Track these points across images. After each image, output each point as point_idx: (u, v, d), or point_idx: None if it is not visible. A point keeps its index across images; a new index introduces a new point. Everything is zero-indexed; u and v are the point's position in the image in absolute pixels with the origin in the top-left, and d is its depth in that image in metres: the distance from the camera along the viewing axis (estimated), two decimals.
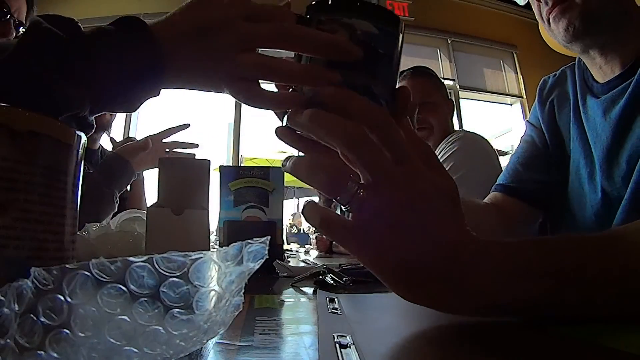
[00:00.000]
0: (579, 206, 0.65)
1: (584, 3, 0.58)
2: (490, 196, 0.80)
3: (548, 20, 0.63)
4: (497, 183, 0.79)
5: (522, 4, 0.67)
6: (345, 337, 0.28)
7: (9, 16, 0.76)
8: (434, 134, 1.21)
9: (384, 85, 0.34)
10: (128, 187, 1.28)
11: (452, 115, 1.30)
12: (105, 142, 1.42)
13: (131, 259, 0.19)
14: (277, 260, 0.65)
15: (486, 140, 1.21)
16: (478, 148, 1.15)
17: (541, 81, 0.79)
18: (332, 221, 0.31)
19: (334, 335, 0.28)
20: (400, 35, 0.35)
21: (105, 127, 1.30)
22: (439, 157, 1.13)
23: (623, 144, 0.58)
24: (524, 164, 0.76)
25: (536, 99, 0.78)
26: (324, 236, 1.37)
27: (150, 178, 1.30)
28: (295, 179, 0.34)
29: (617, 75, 0.60)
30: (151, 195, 1.33)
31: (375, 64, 0.34)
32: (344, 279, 0.52)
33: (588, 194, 0.63)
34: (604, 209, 0.60)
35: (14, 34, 0.78)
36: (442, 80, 1.35)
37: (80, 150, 0.31)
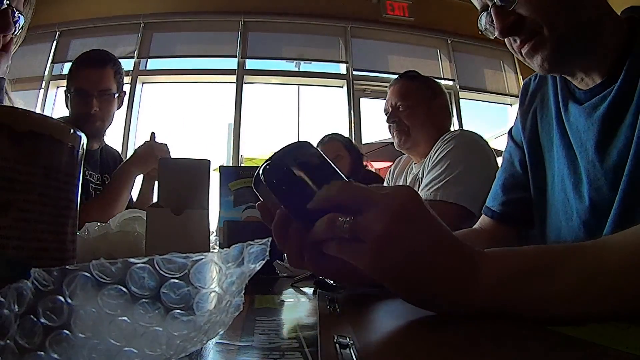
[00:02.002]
0: (565, 216, 0.63)
1: (554, 37, 0.55)
2: (481, 220, 0.80)
3: (520, 54, 0.60)
4: (485, 205, 0.79)
5: (492, 37, 0.62)
6: (345, 337, 0.28)
7: (6, 4, 0.69)
8: (412, 136, 1.24)
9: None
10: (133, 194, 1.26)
11: (444, 115, 1.30)
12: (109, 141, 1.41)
13: (132, 260, 0.19)
14: (277, 260, 0.65)
15: (483, 139, 1.22)
16: (475, 146, 1.15)
17: (523, 84, 0.77)
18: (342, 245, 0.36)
19: (334, 336, 0.28)
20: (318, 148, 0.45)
21: (96, 135, 1.26)
22: (435, 155, 1.14)
23: (608, 151, 0.56)
24: (504, 185, 0.76)
25: (518, 104, 0.76)
26: None
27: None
28: None
29: (599, 83, 0.58)
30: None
31: (337, 165, 0.43)
32: None
33: (574, 204, 0.61)
34: (592, 219, 0.58)
35: (12, 27, 0.72)
36: (433, 81, 1.36)
37: (80, 150, 0.31)
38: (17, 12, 0.70)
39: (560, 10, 0.55)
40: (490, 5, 0.58)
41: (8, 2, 0.68)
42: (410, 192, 0.37)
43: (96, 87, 1.20)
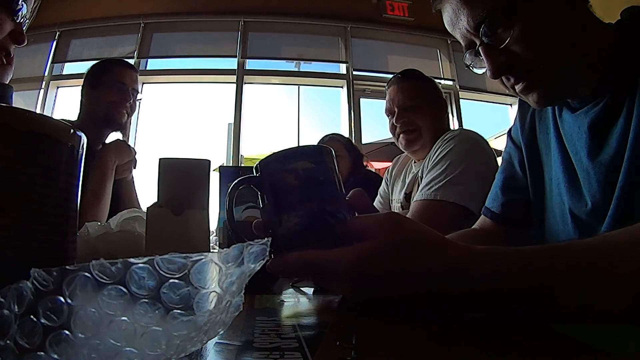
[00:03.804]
0: (562, 219, 0.63)
1: (549, 74, 0.53)
2: (480, 221, 0.80)
3: (514, 90, 0.58)
4: (484, 206, 0.79)
5: (479, 73, 0.60)
6: (347, 337, 0.28)
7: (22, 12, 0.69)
8: (423, 136, 1.22)
9: (334, 201, 0.41)
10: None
11: (446, 115, 1.30)
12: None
13: (132, 260, 0.19)
14: None
15: (483, 138, 1.21)
16: (475, 146, 1.15)
17: None
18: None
19: (335, 336, 0.28)
20: (329, 159, 0.43)
21: (123, 127, 1.30)
22: (435, 155, 1.14)
23: (600, 158, 0.55)
24: (504, 187, 0.75)
25: (517, 107, 0.76)
26: None
27: (146, 178, 1.30)
28: None
29: (590, 94, 0.57)
30: (149, 195, 1.32)
31: (320, 189, 0.41)
32: None
33: (570, 208, 0.61)
34: (588, 224, 0.58)
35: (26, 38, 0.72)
36: (433, 80, 1.35)
37: (80, 150, 0.31)
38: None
39: (555, 47, 0.52)
40: (477, 44, 0.56)
41: (26, 18, 0.68)
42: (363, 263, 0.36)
43: (132, 85, 1.30)
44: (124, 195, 1.27)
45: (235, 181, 0.43)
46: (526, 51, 0.53)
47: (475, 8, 0.55)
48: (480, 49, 0.56)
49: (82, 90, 1.29)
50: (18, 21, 0.67)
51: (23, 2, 0.65)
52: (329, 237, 0.39)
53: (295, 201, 0.40)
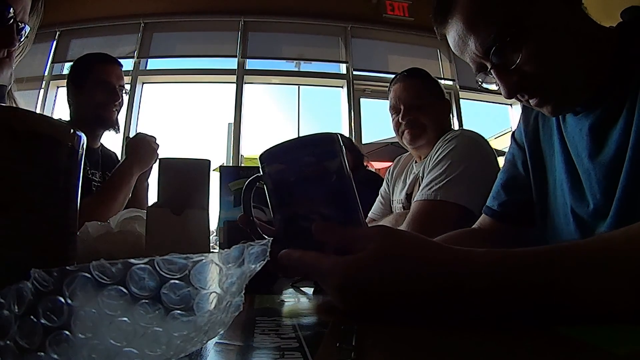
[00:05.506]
0: (565, 220, 0.64)
1: (560, 88, 0.55)
2: (480, 219, 0.81)
3: (528, 104, 0.60)
4: (485, 205, 0.80)
5: (495, 89, 0.61)
6: (347, 337, 0.28)
7: (11, 20, 0.69)
8: (427, 133, 1.23)
9: (330, 204, 0.39)
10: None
11: (449, 114, 1.31)
12: (106, 141, 1.41)
13: (132, 260, 0.19)
14: None
15: (484, 138, 1.21)
16: (476, 146, 1.15)
17: None
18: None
19: (335, 336, 0.28)
20: (309, 152, 0.39)
21: (115, 123, 1.29)
22: (435, 155, 1.14)
23: (601, 160, 0.56)
24: (506, 186, 0.76)
25: (521, 111, 0.76)
26: None
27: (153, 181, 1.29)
28: None
29: (593, 97, 0.57)
30: (149, 195, 1.31)
31: (291, 191, 0.39)
32: None
33: (573, 210, 0.62)
34: (590, 225, 0.59)
35: (17, 41, 0.72)
36: (437, 80, 1.35)
37: (80, 150, 0.31)
38: (21, 23, 0.70)
39: (564, 61, 0.54)
40: (489, 66, 0.58)
41: (13, 17, 0.68)
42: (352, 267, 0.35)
43: (118, 82, 1.29)
44: (134, 198, 1.26)
45: (251, 178, 0.44)
46: (538, 69, 0.54)
47: (483, 33, 0.55)
48: (492, 71, 0.57)
49: (67, 90, 1.27)
50: (7, 24, 0.67)
51: (9, 6, 0.65)
52: (303, 241, 0.38)
53: (274, 203, 0.41)
